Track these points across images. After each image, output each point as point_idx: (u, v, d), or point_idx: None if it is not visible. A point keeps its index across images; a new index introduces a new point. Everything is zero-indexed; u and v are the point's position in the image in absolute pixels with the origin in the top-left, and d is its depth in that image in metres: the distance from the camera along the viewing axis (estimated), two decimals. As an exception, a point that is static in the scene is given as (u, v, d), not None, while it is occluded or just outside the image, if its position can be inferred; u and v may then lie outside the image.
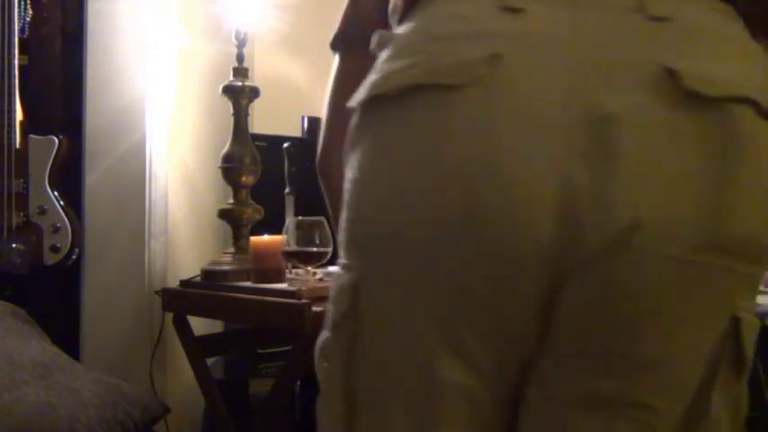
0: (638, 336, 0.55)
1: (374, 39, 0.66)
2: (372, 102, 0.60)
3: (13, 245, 1.71)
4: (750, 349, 0.58)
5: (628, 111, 0.53)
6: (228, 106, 1.75)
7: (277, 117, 2.44)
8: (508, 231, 0.54)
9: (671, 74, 0.53)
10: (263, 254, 1.57)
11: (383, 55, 0.63)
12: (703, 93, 0.53)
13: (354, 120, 0.63)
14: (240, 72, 1.74)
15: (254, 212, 1.75)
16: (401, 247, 0.58)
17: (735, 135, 0.54)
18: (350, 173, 0.63)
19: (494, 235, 0.54)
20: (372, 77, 0.62)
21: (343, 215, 0.63)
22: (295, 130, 2.52)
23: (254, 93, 1.76)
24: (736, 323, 0.57)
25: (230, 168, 1.72)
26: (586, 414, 0.57)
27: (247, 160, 1.72)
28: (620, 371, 0.56)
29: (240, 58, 1.75)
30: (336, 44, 0.85)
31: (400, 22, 0.66)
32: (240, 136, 1.74)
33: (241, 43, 1.75)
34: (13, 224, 1.71)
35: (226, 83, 1.74)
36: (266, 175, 1.79)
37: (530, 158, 0.53)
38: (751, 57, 0.59)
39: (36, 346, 1.41)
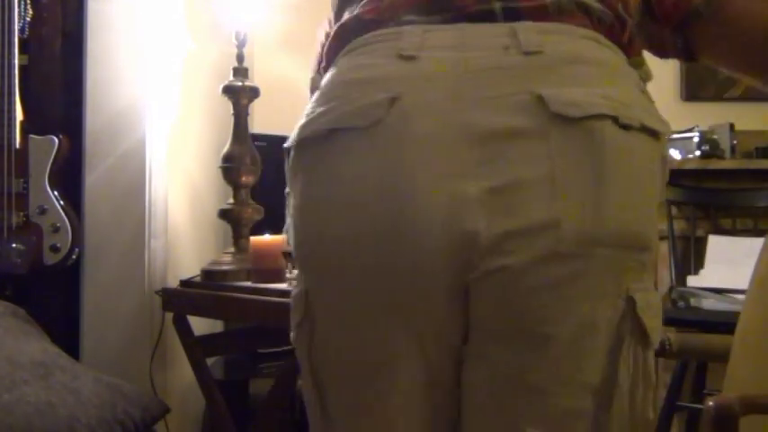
0: (542, 317, 0.64)
1: (310, 82, 0.82)
2: (300, 144, 0.72)
3: (13, 245, 1.71)
4: (652, 322, 0.67)
5: (507, 130, 0.64)
6: (228, 106, 1.75)
7: (277, 117, 2.44)
8: (406, 243, 0.64)
9: (540, 99, 0.64)
10: (262, 254, 1.57)
11: (310, 100, 0.75)
12: (569, 115, 0.63)
13: (288, 159, 0.76)
14: (240, 72, 1.74)
15: (254, 212, 1.75)
16: (332, 264, 0.69)
17: (600, 145, 0.64)
18: (290, 204, 0.75)
19: (394, 248, 0.65)
20: (300, 122, 0.73)
21: (290, 238, 0.76)
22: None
23: (254, 93, 1.76)
24: (631, 302, 0.66)
25: (230, 168, 1.72)
26: (516, 392, 0.66)
27: (247, 160, 1.72)
28: (533, 348, 0.65)
29: (240, 58, 1.75)
30: None
31: (324, 71, 0.77)
32: (240, 136, 1.74)
33: (241, 43, 1.75)
34: (13, 224, 1.71)
35: (226, 83, 1.74)
36: (266, 175, 1.79)
37: (420, 178, 0.64)
38: (611, 79, 0.69)
39: (36, 346, 1.41)
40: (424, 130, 0.64)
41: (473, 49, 0.67)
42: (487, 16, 0.69)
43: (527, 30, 0.67)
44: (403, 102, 0.65)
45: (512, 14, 0.69)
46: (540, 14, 0.69)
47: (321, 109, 0.70)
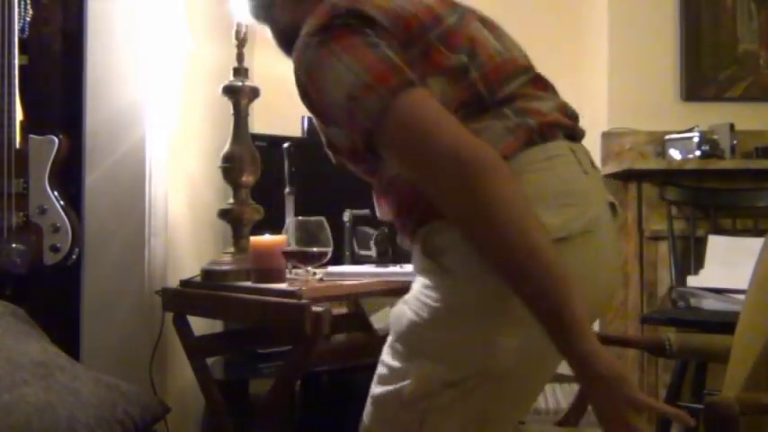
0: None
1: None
2: (570, 236, 0.95)
3: (13, 245, 1.71)
4: None
5: (606, 224, 1.02)
6: (228, 106, 1.75)
7: (277, 117, 2.44)
8: (601, 305, 1.10)
9: (612, 205, 1.05)
10: (263, 254, 1.57)
11: (543, 195, 0.96)
12: (617, 213, 1.07)
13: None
14: (240, 72, 1.74)
15: (254, 212, 1.75)
16: None
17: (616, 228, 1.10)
18: None
19: (598, 308, 1.09)
20: (549, 220, 0.92)
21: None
22: (295, 130, 2.51)
23: (254, 93, 1.76)
24: None
25: (230, 168, 1.72)
26: None
27: (247, 160, 1.72)
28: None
29: (240, 58, 1.75)
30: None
31: (506, 157, 0.94)
32: (240, 136, 1.74)
33: (241, 43, 1.75)
34: (13, 224, 1.71)
35: (226, 83, 1.74)
36: (266, 175, 1.79)
37: (611, 265, 1.05)
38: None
39: (36, 346, 1.41)
40: (607, 233, 1.01)
41: (586, 165, 1.02)
42: (577, 136, 1.06)
43: (586, 150, 1.06)
44: (600, 213, 1.00)
45: (580, 136, 1.07)
46: (581, 137, 1.08)
47: (573, 212, 0.96)
